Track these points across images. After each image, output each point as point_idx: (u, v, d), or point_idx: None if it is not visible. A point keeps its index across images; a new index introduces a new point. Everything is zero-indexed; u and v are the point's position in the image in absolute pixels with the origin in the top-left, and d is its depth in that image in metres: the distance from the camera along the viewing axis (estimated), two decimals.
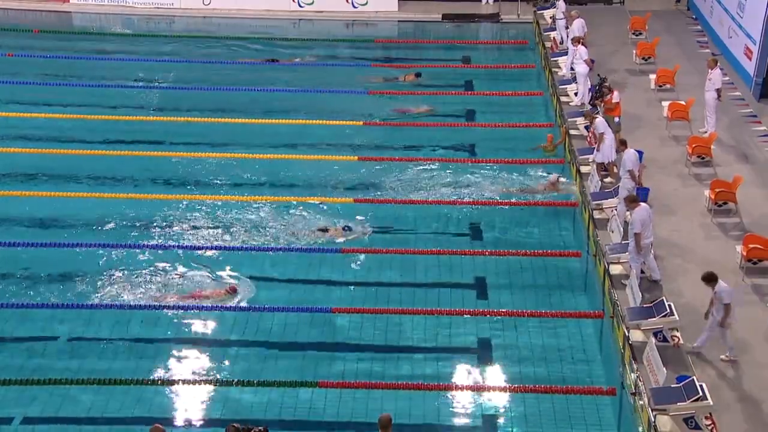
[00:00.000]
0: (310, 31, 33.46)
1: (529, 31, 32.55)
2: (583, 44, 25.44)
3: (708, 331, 15.99)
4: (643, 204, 17.78)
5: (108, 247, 20.14)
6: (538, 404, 16.09)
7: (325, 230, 20.64)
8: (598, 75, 24.68)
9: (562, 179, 22.53)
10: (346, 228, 20.70)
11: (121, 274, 19.18)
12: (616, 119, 22.80)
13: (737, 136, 23.56)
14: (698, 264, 18.63)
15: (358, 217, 21.23)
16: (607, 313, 17.76)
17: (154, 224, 21.11)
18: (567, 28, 28.87)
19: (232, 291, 18.68)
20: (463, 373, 16.92)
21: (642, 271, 17.79)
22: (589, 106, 24.29)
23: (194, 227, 21.00)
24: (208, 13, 34.45)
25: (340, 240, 20.45)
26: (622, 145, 20.24)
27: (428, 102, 27.12)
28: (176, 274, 19.24)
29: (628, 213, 18.32)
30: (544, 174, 23.07)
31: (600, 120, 21.53)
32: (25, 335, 17.69)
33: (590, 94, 24.81)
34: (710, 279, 15.90)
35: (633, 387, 15.53)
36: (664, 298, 16.69)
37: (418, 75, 28.52)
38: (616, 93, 22.87)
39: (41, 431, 15.64)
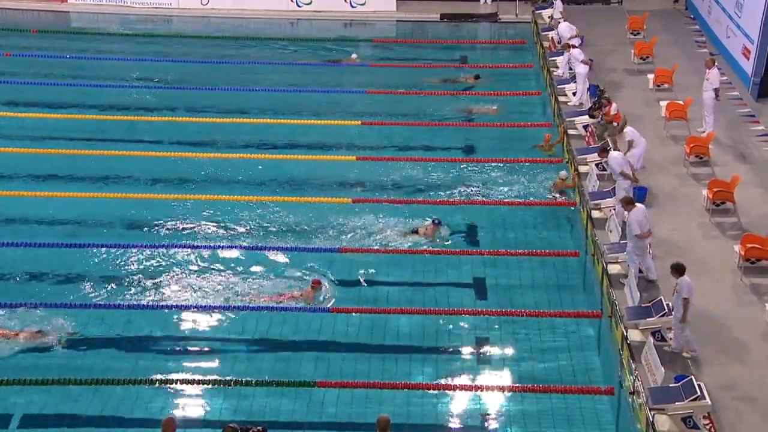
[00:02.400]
0: (309, 30, 33.51)
1: (528, 31, 32.56)
2: (574, 46, 25.53)
3: (675, 329, 16.01)
4: (639, 205, 17.80)
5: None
6: (537, 404, 16.10)
7: (415, 231, 20.62)
8: (597, 86, 24.69)
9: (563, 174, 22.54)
10: (436, 222, 20.65)
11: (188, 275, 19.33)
12: (615, 123, 22.80)
13: (735, 135, 23.58)
14: (696, 263, 18.64)
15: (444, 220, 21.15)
16: (606, 313, 17.77)
17: (184, 225, 21.14)
18: None
19: (317, 284, 18.56)
20: (462, 373, 16.91)
21: (640, 271, 17.81)
22: (588, 116, 24.29)
23: (267, 228, 21.01)
24: (207, 13, 34.45)
25: (434, 240, 20.46)
26: (603, 152, 20.33)
27: (428, 102, 27.23)
28: (265, 276, 19.25)
29: (625, 213, 18.35)
30: (544, 173, 23.10)
31: (630, 129, 21.39)
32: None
33: (588, 94, 24.82)
34: (677, 270, 15.84)
35: (631, 386, 15.54)
36: (662, 297, 16.70)
37: (477, 77, 28.53)
38: (614, 105, 22.92)
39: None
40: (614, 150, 21.95)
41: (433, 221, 20.66)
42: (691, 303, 15.75)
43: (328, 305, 18.40)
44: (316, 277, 18.76)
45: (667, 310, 16.28)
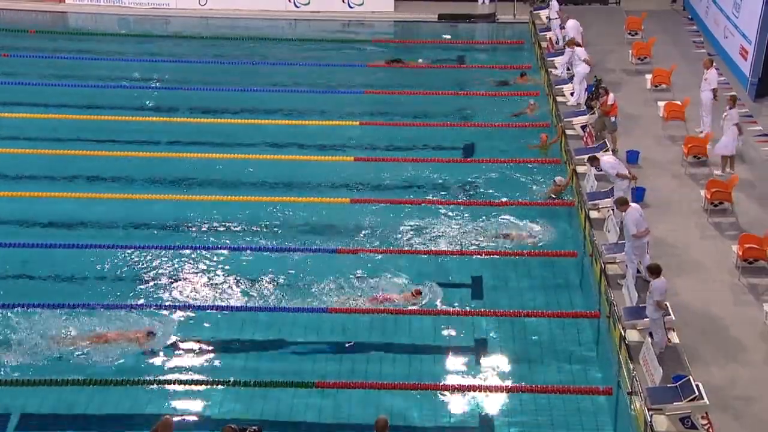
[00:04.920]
0: (307, 30, 33.48)
1: (526, 31, 32.56)
2: (578, 44, 25.47)
3: (653, 328, 16.05)
4: (633, 205, 17.81)
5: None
6: (535, 404, 16.10)
7: (507, 236, 20.55)
8: (595, 77, 24.75)
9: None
10: (528, 234, 20.62)
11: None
12: (613, 119, 22.84)
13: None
14: (694, 264, 18.70)
15: (535, 225, 20.98)
16: (604, 313, 17.78)
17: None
18: (562, 27, 28.93)
19: (417, 294, 18.52)
20: (460, 373, 16.92)
21: (638, 271, 17.81)
22: (584, 107, 24.34)
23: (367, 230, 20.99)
24: (204, 14, 34.42)
25: (527, 242, 20.40)
26: (594, 160, 20.35)
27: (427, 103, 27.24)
28: (364, 278, 19.19)
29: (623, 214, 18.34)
30: (543, 173, 23.09)
31: (732, 112, 21.27)
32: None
33: (586, 94, 24.82)
34: (653, 271, 15.93)
35: (629, 387, 15.55)
36: None
37: (523, 75, 28.45)
38: (611, 95, 22.92)
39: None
40: (612, 149, 22.04)
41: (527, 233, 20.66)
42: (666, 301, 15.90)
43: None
44: (418, 287, 18.66)
45: (665, 310, 16.27)
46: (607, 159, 20.07)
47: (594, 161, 20.37)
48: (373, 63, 30.33)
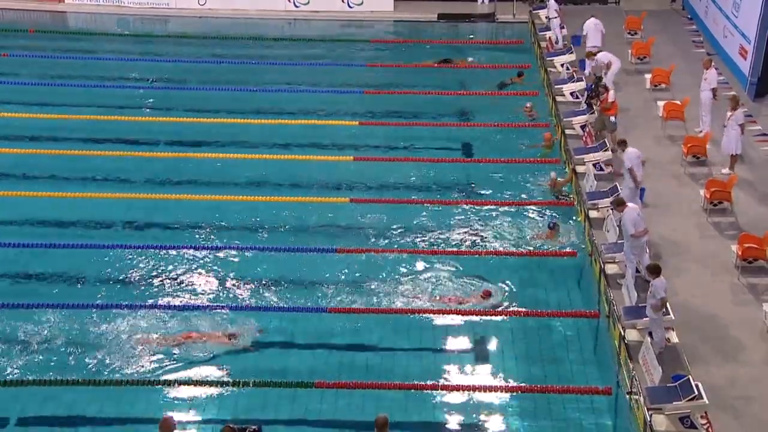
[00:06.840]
0: (306, 30, 33.49)
1: (525, 31, 32.59)
2: (592, 53, 25.34)
3: (654, 328, 16.08)
4: (630, 205, 17.81)
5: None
6: (534, 404, 16.11)
7: (557, 225, 20.48)
8: (594, 74, 24.76)
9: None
10: (551, 225, 20.50)
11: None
12: (612, 118, 22.86)
13: None
14: (693, 263, 18.72)
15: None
16: (603, 313, 17.80)
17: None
18: (562, 27, 28.97)
19: (487, 296, 18.51)
20: (459, 372, 16.93)
21: (637, 270, 17.83)
22: (585, 105, 24.36)
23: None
24: (204, 14, 34.43)
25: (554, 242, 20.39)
26: (621, 144, 20.24)
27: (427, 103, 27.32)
28: (431, 279, 19.19)
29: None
30: (542, 173, 23.09)
31: (738, 113, 21.25)
32: None
33: (586, 93, 24.83)
34: (653, 270, 15.97)
35: (629, 386, 15.57)
36: None
37: (520, 74, 28.38)
38: (611, 92, 22.92)
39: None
40: (612, 149, 22.05)
41: (549, 225, 20.53)
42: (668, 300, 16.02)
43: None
44: (488, 288, 18.69)
45: (665, 310, 16.30)
46: (633, 150, 19.79)
47: (623, 144, 20.06)
48: (372, 63, 30.34)
